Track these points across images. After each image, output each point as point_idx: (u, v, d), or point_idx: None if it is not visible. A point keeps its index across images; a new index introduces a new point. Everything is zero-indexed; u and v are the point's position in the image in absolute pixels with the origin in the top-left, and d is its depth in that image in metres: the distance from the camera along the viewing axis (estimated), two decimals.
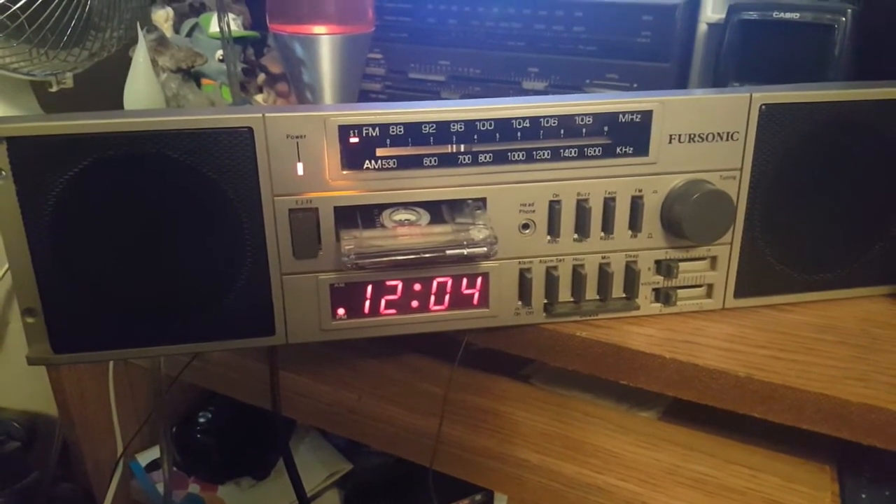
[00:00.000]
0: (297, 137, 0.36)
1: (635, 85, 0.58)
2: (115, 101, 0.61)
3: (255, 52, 0.67)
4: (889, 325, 0.42)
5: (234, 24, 0.63)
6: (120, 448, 0.61)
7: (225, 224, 0.37)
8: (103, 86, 0.64)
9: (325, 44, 0.51)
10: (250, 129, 0.36)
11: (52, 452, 0.84)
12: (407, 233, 0.38)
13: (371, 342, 0.54)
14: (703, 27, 0.59)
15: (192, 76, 0.62)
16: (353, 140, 0.37)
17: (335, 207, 0.38)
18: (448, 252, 0.37)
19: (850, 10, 0.49)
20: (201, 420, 0.76)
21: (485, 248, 0.37)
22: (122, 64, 0.62)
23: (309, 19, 0.51)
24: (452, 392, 0.51)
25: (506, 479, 0.49)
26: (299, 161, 0.36)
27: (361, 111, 0.37)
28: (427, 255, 0.37)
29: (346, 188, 0.37)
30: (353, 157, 0.37)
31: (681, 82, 0.58)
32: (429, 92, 0.65)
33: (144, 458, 0.77)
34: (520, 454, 0.48)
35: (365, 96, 0.67)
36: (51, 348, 0.38)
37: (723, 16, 0.56)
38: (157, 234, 0.37)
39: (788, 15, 0.52)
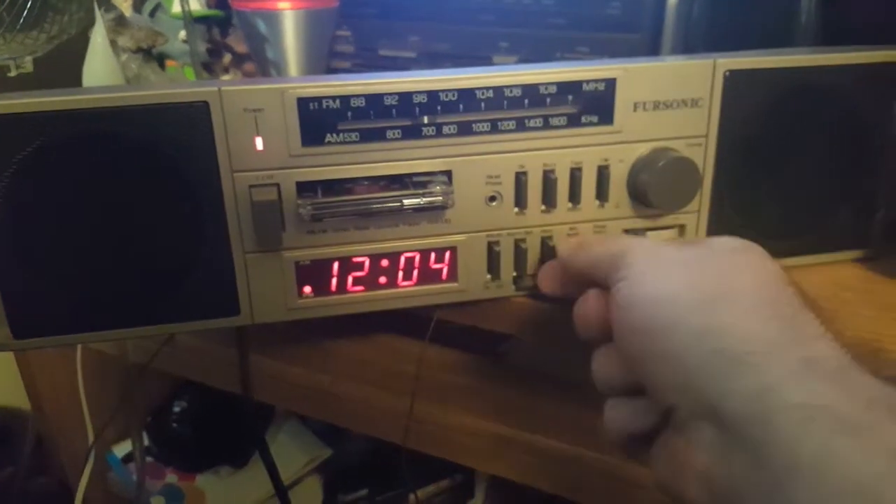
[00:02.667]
0: (254, 111, 0.35)
1: (606, 57, 0.57)
2: (77, 85, 0.60)
3: (220, 32, 0.66)
4: (857, 289, 0.42)
5: (198, 3, 0.62)
6: (91, 440, 0.60)
7: (183, 202, 0.36)
8: (64, 70, 0.63)
9: (289, 19, 0.50)
10: (206, 104, 0.35)
11: (26, 446, 0.83)
12: (366, 189, 0.38)
13: (343, 323, 0.53)
14: None
15: (156, 57, 0.61)
16: (313, 113, 0.36)
17: (297, 183, 0.37)
18: (405, 202, 0.37)
19: None
20: (176, 409, 0.75)
21: (441, 197, 0.37)
22: (83, 47, 0.61)
23: None
24: (428, 371, 0.50)
25: (482, 455, 0.49)
26: (258, 135, 0.36)
27: (321, 83, 0.36)
28: (386, 204, 0.37)
29: (308, 163, 0.37)
30: (314, 131, 0.36)
31: (652, 53, 0.58)
32: (400, 69, 0.64)
33: (121, 450, 0.76)
34: (495, 430, 0.48)
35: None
36: (10, 334, 0.37)
37: None
38: (115, 214, 0.36)
39: None
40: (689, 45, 0.54)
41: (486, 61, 0.61)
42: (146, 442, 0.77)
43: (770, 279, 0.28)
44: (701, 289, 0.27)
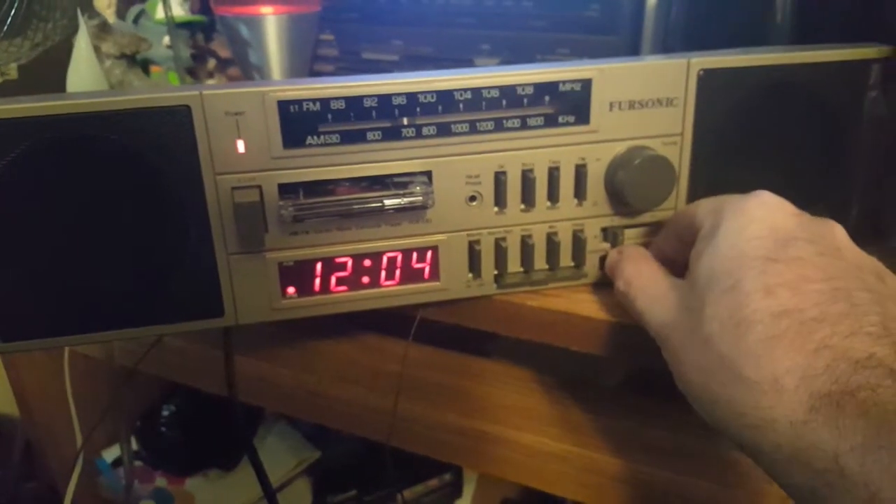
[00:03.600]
0: (235, 114, 0.36)
1: (586, 59, 0.58)
2: (61, 91, 0.60)
3: (204, 37, 0.66)
4: None
5: (181, 9, 0.62)
6: (80, 444, 0.60)
7: (167, 205, 0.36)
8: (50, 76, 0.63)
9: (271, 23, 0.51)
10: (188, 108, 0.35)
11: (15, 451, 0.83)
12: (347, 190, 0.38)
13: (329, 324, 0.54)
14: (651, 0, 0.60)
15: (140, 63, 0.61)
16: (294, 115, 0.36)
17: (279, 185, 0.37)
18: (387, 202, 0.37)
19: None
20: (165, 413, 0.75)
21: (421, 197, 0.38)
22: (67, 54, 0.61)
23: None
24: (413, 370, 0.51)
25: (466, 452, 0.49)
26: (240, 138, 0.36)
27: (301, 86, 0.36)
28: (368, 205, 0.37)
29: (289, 165, 0.37)
30: (295, 133, 0.37)
31: (632, 54, 0.59)
32: (383, 72, 0.65)
33: (111, 455, 0.76)
34: (480, 427, 0.49)
35: None
36: None
37: None
38: (100, 218, 0.36)
39: None
40: (667, 46, 0.55)
41: (467, 63, 0.61)
42: (135, 446, 0.77)
43: None
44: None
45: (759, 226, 0.30)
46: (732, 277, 0.29)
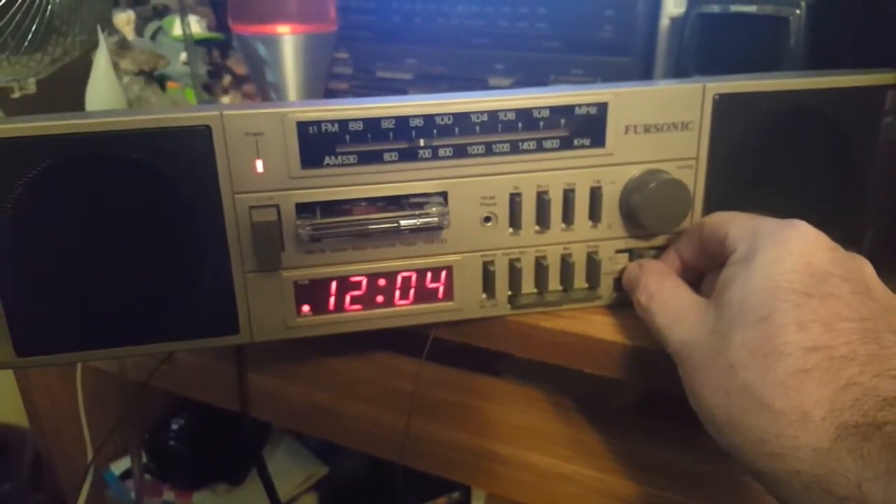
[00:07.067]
0: (255, 135, 0.36)
1: (599, 80, 0.58)
2: (79, 106, 0.61)
3: (220, 54, 0.67)
4: None
5: (198, 27, 0.63)
6: (90, 457, 0.60)
7: (185, 223, 0.37)
8: (67, 91, 0.64)
9: (288, 43, 0.51)
10: (208, 128, 0.36)
11: (24, 463, 0.83)
12: (363, 210, 0.39)
13: (342, 342, 0.54)
14: (665, 22, 0.60)
15: (157, 79, 0.62)
16: (312, 136, 0.37)
17: (296, 204, 0.38)
18: (402, 223, 0.38)
19: (804, 3, 0.50)
20: (174, 427, 0.75)
21: (437, 218, 0.38)
22: (86, 69, 0.62)
23: (271, 19, 0.51)
24: (424, 388, 0.51)
25: (477, 472, 0.49)
26: (258, 158, 0.36)
27: (320, 107, 0.37)
28: (383, 225, 0.38)
29: (307, 185, 0.37)
30: (313, 154, 0.37)
31: (645, 76, 0.59)
32: (397, 91, 0.65)
33: (119, 467, 0.76)
34: (490, 447, 0.48)
35: (332, 96, 0.67)
36: (14, 351, 0.38)
37: (683, 10, 0.56)
38: (118, 235, 0.36)
39: (746, 8, 0.53)
40: (680, 69, 0.56)
41: (481, 83, 0.62)
42: (143, 459, 0.77)
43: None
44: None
45: (795, 259, 0.30)
46: (765, 308, 0.29)
